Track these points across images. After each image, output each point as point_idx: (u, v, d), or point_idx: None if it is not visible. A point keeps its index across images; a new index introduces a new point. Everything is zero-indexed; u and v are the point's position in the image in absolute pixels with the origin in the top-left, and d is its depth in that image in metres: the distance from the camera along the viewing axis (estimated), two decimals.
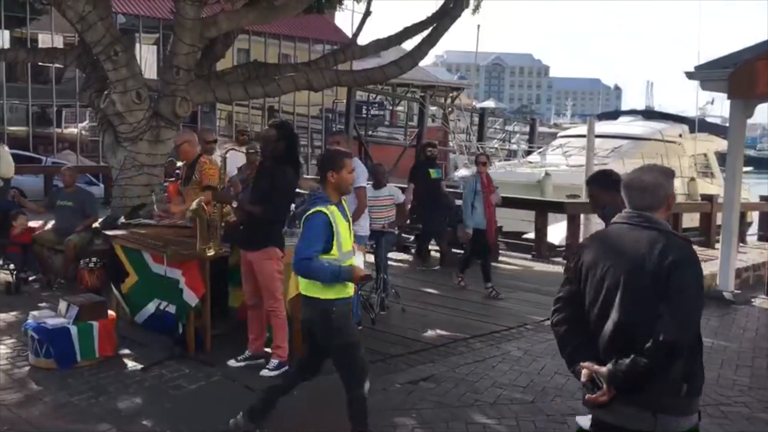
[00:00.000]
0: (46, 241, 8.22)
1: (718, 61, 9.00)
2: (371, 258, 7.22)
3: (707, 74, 8.96)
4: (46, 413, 4.60)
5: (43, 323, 5.43)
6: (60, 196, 8.42)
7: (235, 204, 5.38)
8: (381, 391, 5.13)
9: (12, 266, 8.03)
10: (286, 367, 5.36)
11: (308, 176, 9.10)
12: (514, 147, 30.84)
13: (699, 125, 23.76)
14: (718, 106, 50.43)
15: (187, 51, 8.58)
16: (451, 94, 41.14)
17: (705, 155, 23.60)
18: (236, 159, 7.90)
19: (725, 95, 8.78)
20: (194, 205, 5.40)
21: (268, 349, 5.52)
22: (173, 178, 10.42)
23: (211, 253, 5.56)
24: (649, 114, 25.62)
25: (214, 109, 29.74)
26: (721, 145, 24.56)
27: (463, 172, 22.69)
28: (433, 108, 34.82)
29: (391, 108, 39.29)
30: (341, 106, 31.72)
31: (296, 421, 4.57)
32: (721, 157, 24.85)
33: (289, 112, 31.29)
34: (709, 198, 16.14)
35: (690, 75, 9.22)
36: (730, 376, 5.74)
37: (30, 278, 8.03)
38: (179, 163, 11.78)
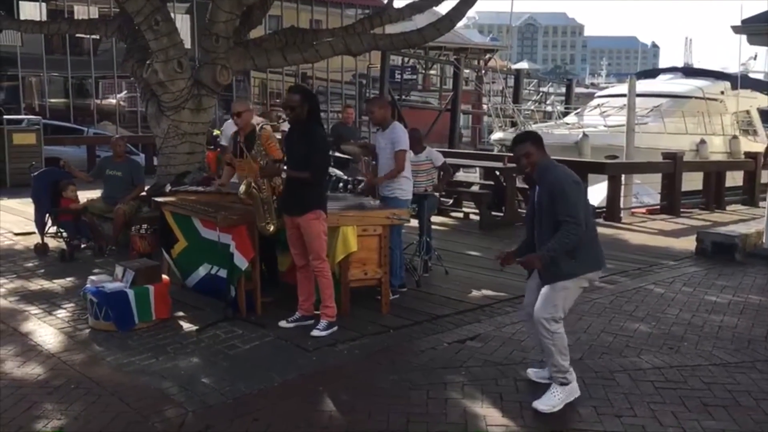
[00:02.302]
0: (96, 209, 8.46)
1: (765, 14, 8.76)
2: (414, 222, 7.26)
3: (754, 28, 8.74)
4: (110, 372, 4.79)
5: (101, 287, 5.62)
6: (109, 165, 8.60)
7: (284, 175, 5.43)
8: (430, 350, 5.24)
9: (65, 234, 8.28)
10: (336, 327, 5.50)
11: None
12: (550, 109, 30.46)
13: (741, 81, 23.17)
14: (762, 62, 48.97)
15: (226, 18, 8.63)
16: (484, 57, 40.62)
17: (747, 112, 23.07)
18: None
19: None
20: (243, 187, 5.49)
21: (317, 311, 5.65)
22: (212, 147, 10.57)
23: (271, 228, 5.61)
24: (689, 71, 25.04)
25: (248, 77, 29.82)
26: (765, 101, 23.96)
27: (498, 134, 22.54)
28: (467, 71, 34.44)
29: (423, 72, 38.92)
30: (375, 72, 31.55)
31: (344, 376, 4.72)
32: (764, 114, 24.27)
33: (322, 78, 31.26)
34: (753, 156, 15.78)
35: (736, 29, 9.01)
36: None
37: (82, 245, 8.27)
38: (216, 132, 11.96)
